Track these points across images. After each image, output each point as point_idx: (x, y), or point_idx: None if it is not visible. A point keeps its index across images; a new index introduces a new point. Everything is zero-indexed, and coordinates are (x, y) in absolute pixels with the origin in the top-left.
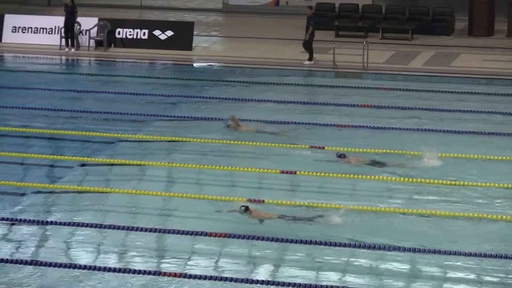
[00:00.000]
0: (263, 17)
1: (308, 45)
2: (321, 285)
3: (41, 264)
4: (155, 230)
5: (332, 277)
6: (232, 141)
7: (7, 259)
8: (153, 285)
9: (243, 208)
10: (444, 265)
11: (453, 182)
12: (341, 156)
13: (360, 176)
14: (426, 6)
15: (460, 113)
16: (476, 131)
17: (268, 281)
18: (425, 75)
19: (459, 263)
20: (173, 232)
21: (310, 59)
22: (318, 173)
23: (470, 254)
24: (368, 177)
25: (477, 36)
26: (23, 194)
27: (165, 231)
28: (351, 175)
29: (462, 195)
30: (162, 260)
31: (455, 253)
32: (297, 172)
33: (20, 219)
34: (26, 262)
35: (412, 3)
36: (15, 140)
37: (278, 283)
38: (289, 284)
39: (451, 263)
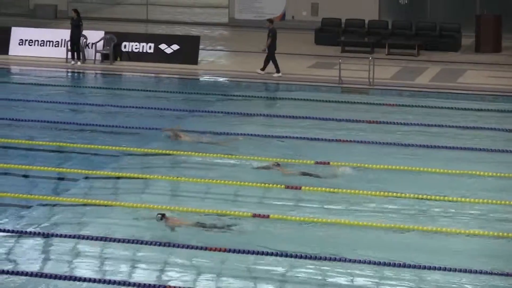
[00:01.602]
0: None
1: (272, 58)
2: None
3: (45, 276)
4: (159, 244)
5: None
6: (237, 156)
7: (12, 271)
8: None
9: (160, 215)
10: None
11: (447, 198)
12: (277, 164)
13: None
14: (433, 22)
15: (465, 129)
16: (481, 147)
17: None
18: (431, 91)
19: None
20: (178, 246)
21: (278, 71)
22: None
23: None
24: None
25: (484, 53)
26: (28, 207)
27: (169, 245)
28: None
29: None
30: (167, 273)
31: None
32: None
33: (25, 231)
34: (31, 274)
35: (419, 19)
36: (21, 152)
37: None
38: None
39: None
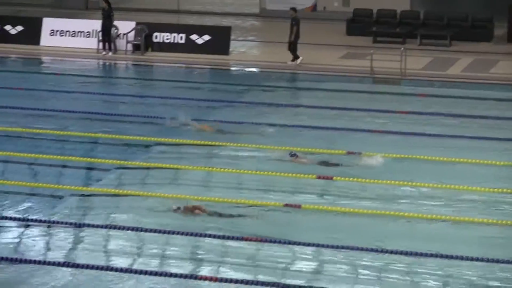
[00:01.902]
0: (300, 23)
1: (293, 47)
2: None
3: (77, 266)
4: (191, 234)
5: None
6: (266, 146)
7: (45, 261)
8: None
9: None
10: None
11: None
12: (294, 155)
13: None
14: (465, 12)
15: (497, 120)
16: None
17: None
18: (463, 81)
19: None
20: (209, 236)
21: (293, 59)
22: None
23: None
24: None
25: None
26: (60, 197)
27: (201, 235)
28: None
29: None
30: (198, 263)
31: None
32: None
33: (57, 221)
34: (63, 264)
35: (450, 9)
36: (52, 143)
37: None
38: None
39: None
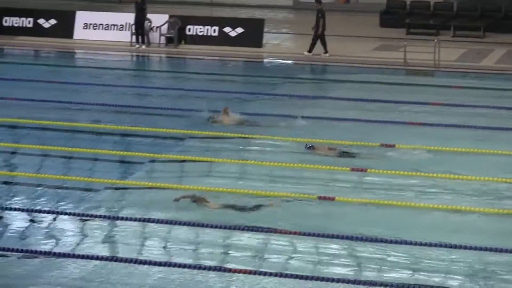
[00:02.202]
0: (333, 15)
1: (316, 39)
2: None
3: (111, 259)
4: (224, 227)
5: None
6: (299, 138)
7: (79, 255)
8: (222, 282)
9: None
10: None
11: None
12: (310, 147)
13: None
14: (498, 3)
15: None
16: None
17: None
18: (497, 73)
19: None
20: (243, 229)
21: (310, 51)
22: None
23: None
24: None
25: None
26: (94, 190)
27: (235, 228)
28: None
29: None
30: (232, 256)
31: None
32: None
33: (92, 215)
34: (97, 258)
35: (484, 1)
36: (87, 136)
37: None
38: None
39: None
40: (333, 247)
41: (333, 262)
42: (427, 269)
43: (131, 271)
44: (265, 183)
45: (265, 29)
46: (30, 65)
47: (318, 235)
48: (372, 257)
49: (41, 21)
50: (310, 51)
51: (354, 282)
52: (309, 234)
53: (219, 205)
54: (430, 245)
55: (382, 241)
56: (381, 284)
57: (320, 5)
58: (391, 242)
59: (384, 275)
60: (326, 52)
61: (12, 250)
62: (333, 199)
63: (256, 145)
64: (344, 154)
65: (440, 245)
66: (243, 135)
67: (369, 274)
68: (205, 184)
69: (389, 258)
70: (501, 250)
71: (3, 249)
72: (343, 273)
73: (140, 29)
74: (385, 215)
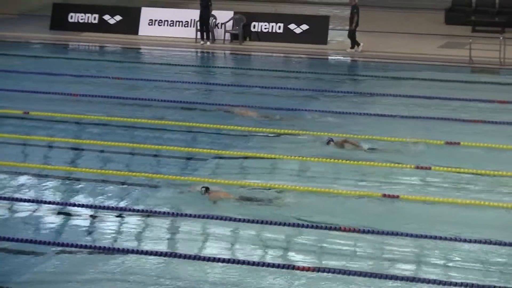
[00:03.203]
0: (397, 12)
1: (352, 34)
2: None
3: (175, 256)
4: (288, 224)
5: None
6: (361, 135)
7: (142, 251)
8: (286, 280)
9: (204, 188)
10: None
11: None
12: (330, 141)
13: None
14: None
15: None
16: None
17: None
18: None
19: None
20: (307, 226)
21: (352, 47)
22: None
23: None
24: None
25: None
26: (157, 186)
27: (298, 225)
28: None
29: None
30: (295, 253)
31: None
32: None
33: (155, 211)
34: (160, 254)
35: None
36: (151, 132)
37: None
38: None
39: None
40: (398, 244)
41: (399, 259)
42: (497, 267)
43: (193, 267)
44: (328, 180)
45: (330, 26)
46: (94, 61)
47: (383, 233)
48: (438, 255)
49: (106, 17)
50: (352, 47)
51: (419, 280)
52: (373, 232)
53: (235, 197)
54: (500, 244)
55: (448, 239)
56: (450, 284)
57: (355, 1)
58: (456, 240)
59: (452, 274)
60: (352, 48)
61: (78, 246)
62: (397, 197)
63: (317, 142)
64: (372, 149)
65: (505, 244)
66: (305, 132)
67: (433, 272)
68: (267, 180)
69: (455, 258)
70: None
71: (71, 245)
72: (410, 270)
73: (205, 25)
74: (450, 213)
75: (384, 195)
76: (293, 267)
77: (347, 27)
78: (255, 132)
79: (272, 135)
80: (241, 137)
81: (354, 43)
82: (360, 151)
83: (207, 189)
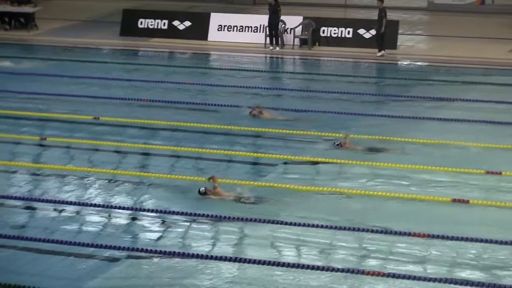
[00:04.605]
0: (468, 16)
1: (382, 37)
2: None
3: (239, 260)
4: (355, 229)
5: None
6: (432, 140)
7: (214, 256)
8: (353, 285)
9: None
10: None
11: None
12: (339, 144)
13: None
14: None
15: None
16: None
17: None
18: None
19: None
20: (371, 231)
21: (380, 50)
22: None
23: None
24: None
25: None
26: (227, 191)
27: (366, 230)
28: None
29: None
30: (364, 259)
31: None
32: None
33: (224, 217)
34: (229, 259)
35: None
36: (219, 138)
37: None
38: None
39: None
40: (470, 251)
41: (468, 265)
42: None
43: (264, 272)
44: (398, 186)
45: (400, 31)
46: (164, 66)
47: (452, 238)
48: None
49: (176, 23)
50: (380, 50)
51: (494, 287)
52: (442, 237)
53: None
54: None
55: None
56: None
57: (382, 4)
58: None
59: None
60: (380, 51)
61: (149, 251)
62: (467, 202)
63: (388, 147)
64: (372, 149)
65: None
66: (376, 137)
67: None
68: (337, 186)
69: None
70: None
71: (142, 250)
72: (478, 277)
73: (274, 31)
74: None
75: (454, 200)
76: (363, 272)
77: (417, 32)
78: (326, 137)
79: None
80: (310, 143)
81: (382, 47)
82: (425, 156)
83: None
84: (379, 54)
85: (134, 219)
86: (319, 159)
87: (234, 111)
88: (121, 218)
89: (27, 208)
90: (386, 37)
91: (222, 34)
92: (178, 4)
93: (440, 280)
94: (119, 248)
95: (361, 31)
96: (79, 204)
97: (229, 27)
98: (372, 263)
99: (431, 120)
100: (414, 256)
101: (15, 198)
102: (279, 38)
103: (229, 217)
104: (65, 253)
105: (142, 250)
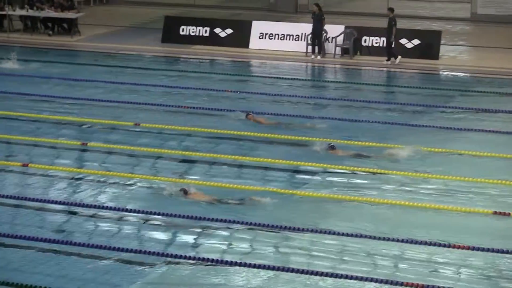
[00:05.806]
0: (509, 27)
1: (390, 47)
2: None
3: (277, 269)
4: (398, 240)
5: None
6: (476, 152)
7: (248, 264)
8: None
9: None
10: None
11: None
12: (331, 147)
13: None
14: None
15: None
16: None
17: None
18: None
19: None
20: (413, 242)
21: (389, 59)
22: None
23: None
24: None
25: None
26: (264, 199)
27: (408, 241)
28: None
29: None
30: (402, 270)
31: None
32: None
33: (259, 224)
34: (258, 266)
35: None
36: (256, 145)
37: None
38: None
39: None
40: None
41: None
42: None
43: (298, 280)
44: (440, 196)
45: (442, 41)
46: (205, 73)
47: (493, 250)
48: None
49: (217, 30)
50: (388, 59)
51: None
52: (483, 249)
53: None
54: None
55: None
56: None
57: (392, 13)
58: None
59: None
60: (388, 60)
61: (186, 257)
62: (508, 214)
63: (433, 158)
64: (358, 155)
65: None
66: (418, 147)
67: None
68: (375, 196)
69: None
70: None
71: (180, 257)
72: None
73: (317, 39)
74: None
75: (495, 213)
76: (402, 284)
77: (460, 42)
78: (364, 147)
79: (375, 148)
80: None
81: (391, 55)
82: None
83: (185, 191)
84: (388, 62)
85: (169, 226)
86: (356, 168)
87: (276, 119)
88: (157, 225)
89: (68, 212)
90: (428, 47)
91: (264, 42)
92: (220, 12)
93: None
94: (156, 254)
95: (403, 40)
96: (116, 209)
97: (271, 35)
98: (411, 274)
99: (472, 132)
100: (451, 266)
101: (56, 202)
102: (321, 47)
103: (269, 225)
104: (103, 257)
105: (179, 257)
